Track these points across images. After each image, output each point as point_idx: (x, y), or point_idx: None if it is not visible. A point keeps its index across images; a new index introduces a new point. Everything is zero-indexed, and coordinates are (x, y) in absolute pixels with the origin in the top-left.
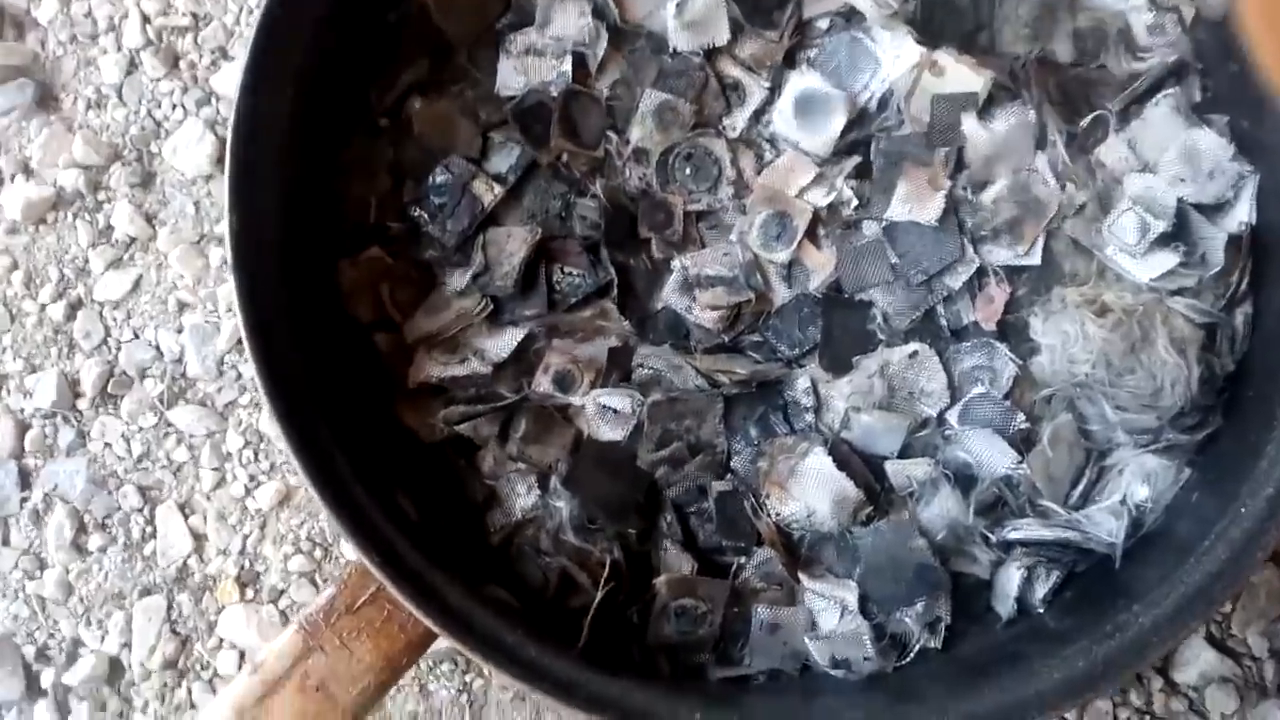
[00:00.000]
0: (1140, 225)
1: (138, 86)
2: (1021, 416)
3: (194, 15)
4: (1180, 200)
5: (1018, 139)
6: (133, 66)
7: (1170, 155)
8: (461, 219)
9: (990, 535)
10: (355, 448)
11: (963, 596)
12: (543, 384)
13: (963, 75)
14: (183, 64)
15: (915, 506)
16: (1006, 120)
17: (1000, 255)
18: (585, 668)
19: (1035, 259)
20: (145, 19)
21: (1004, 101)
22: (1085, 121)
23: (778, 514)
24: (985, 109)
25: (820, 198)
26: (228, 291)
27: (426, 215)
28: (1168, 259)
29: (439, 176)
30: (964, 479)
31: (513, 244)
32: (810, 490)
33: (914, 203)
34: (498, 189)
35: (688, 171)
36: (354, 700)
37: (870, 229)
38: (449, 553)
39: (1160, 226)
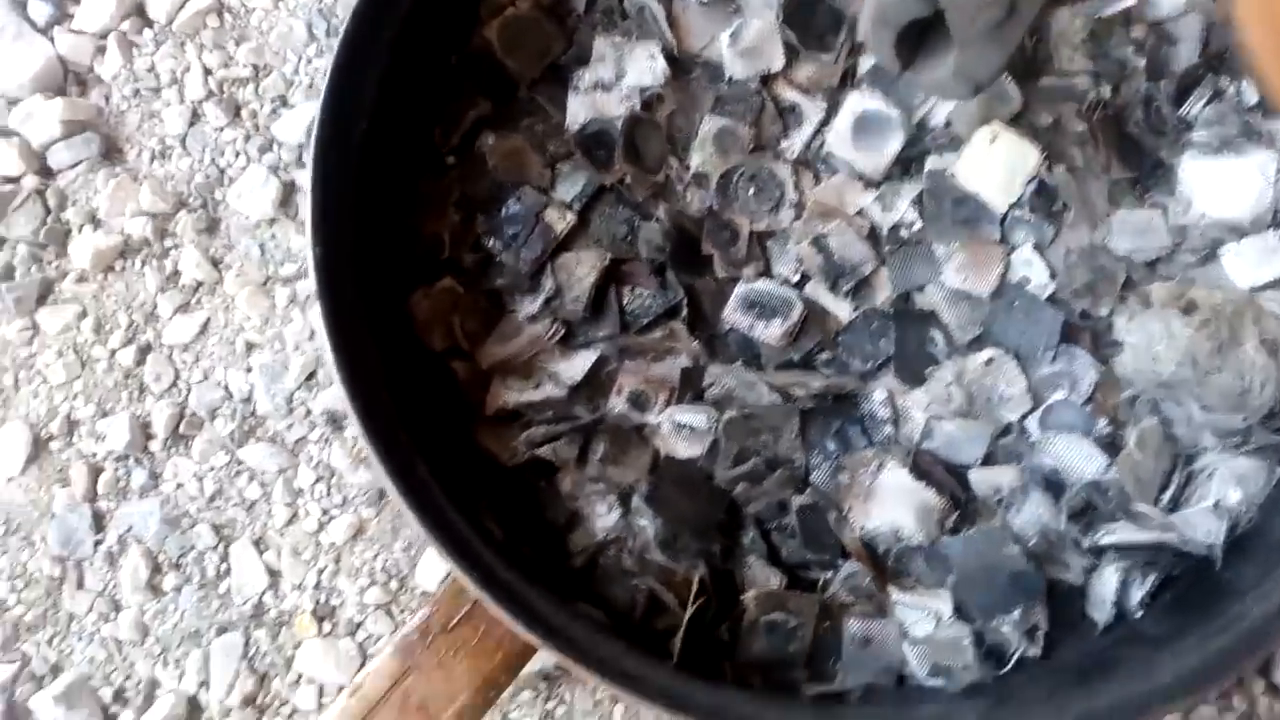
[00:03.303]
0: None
1: (201, 136)
2: (1104, 421)
3: (254, 66)
4: None
5: (1081, 199)
6: (195, 117)
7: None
8: (535, 247)
9: (1082, 540)
10: (442, 470)
11: (1056, 604)
12: (618, 405)
13: (1018, 148)
14: (244, 113)
15: (1006, 513)
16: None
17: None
18: (689, 678)
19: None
20: (207, 71)
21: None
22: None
23: (862, 528)
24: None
25: (879, 214)
26: (294, 331)
27: (500, 245)
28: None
29: (512, 207)
30: (1053, 484)
31: (582, 269)
32: (891, 505)
33: (970, 272)
34: (569, 216)
35: (750, 192)
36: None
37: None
38: (536, 572)
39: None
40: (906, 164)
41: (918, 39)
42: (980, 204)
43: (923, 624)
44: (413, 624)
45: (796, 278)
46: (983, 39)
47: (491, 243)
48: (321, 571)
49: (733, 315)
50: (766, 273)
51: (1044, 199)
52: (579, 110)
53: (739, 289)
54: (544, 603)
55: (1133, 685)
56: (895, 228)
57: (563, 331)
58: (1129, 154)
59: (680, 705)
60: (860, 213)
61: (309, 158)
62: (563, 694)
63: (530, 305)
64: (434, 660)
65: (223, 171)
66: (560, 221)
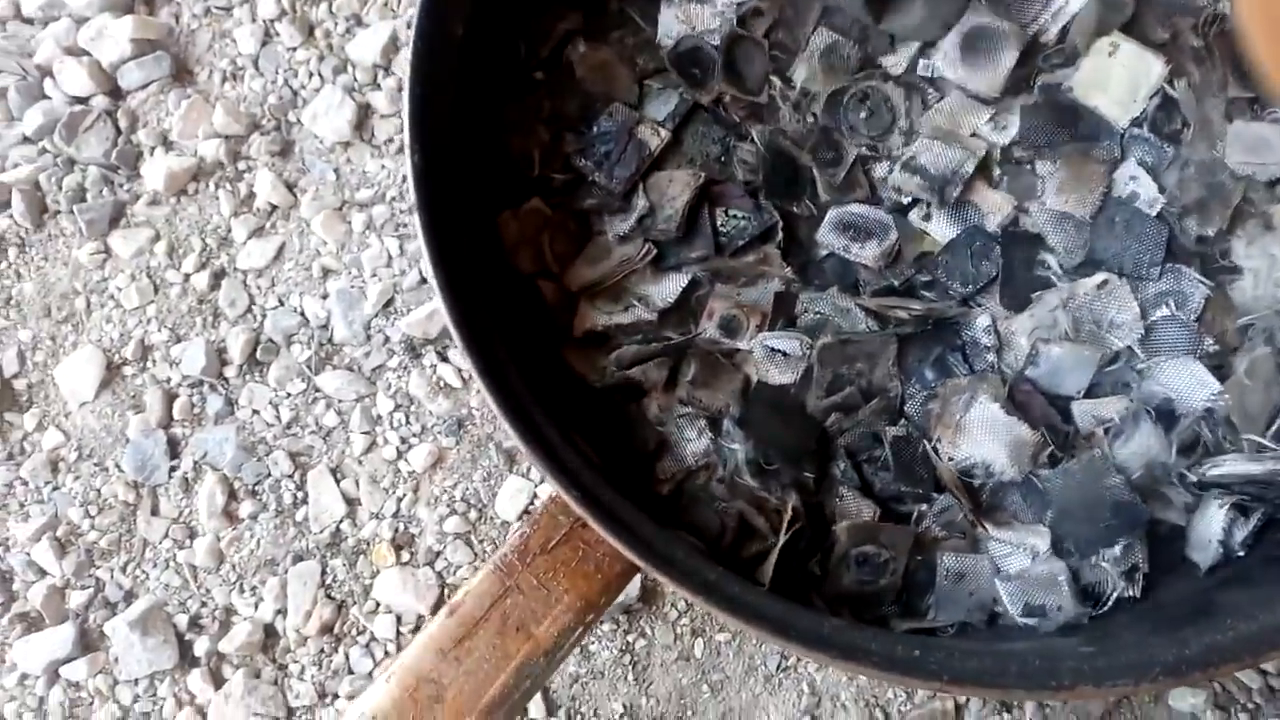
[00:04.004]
0: None
1: (274, 56)
2: (1210, 340)
3: None
4: None
5: (1200, 117)
6: (268, 37)
7: None
8: (629, 164)
9: (1187, 474)
10: (538, 390)
11: (1154, 547)
12: (708, 330)
13: (1139, 59)
14: (318, 32)
15: (1112, 444)
16: (1189, 94)
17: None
18: (792, 605)
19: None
20: None
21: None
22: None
23: (950, 459)
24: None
25: (994, 134)
26: (371, 257)
27: (592, 164)
28: None
29: (604, 124)
30: (1164, 415)
31: (675, 187)
32: (982, 440)
33: (1070, 193)
34: (664, 132)
35: (862, 115)
36: (553, 640)
37: (1043, 167)
38: (630, 496)
39: None
40: (1018, 83)
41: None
42: (1099, 119)
43: (1017, 560)
44: (511, 543)
45: (907, 200)
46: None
47: (583, 162)
48: (400, 500)
49: (826, 236)
50: (870, 199)
51: (1165, 115)
52: (671, 23)
53: (832, 212)
54: (644, 525)
55: (1252, 622)
56: (1009, 147)
57: (654, 252)
58: (1247, 71)
59: (784, 631)
60: (974, 135)
61: (407, 57)
62: (643, 627)
63: (621, 225)
64: (533, 581)
65: (296, 93)
66: (654, 138)
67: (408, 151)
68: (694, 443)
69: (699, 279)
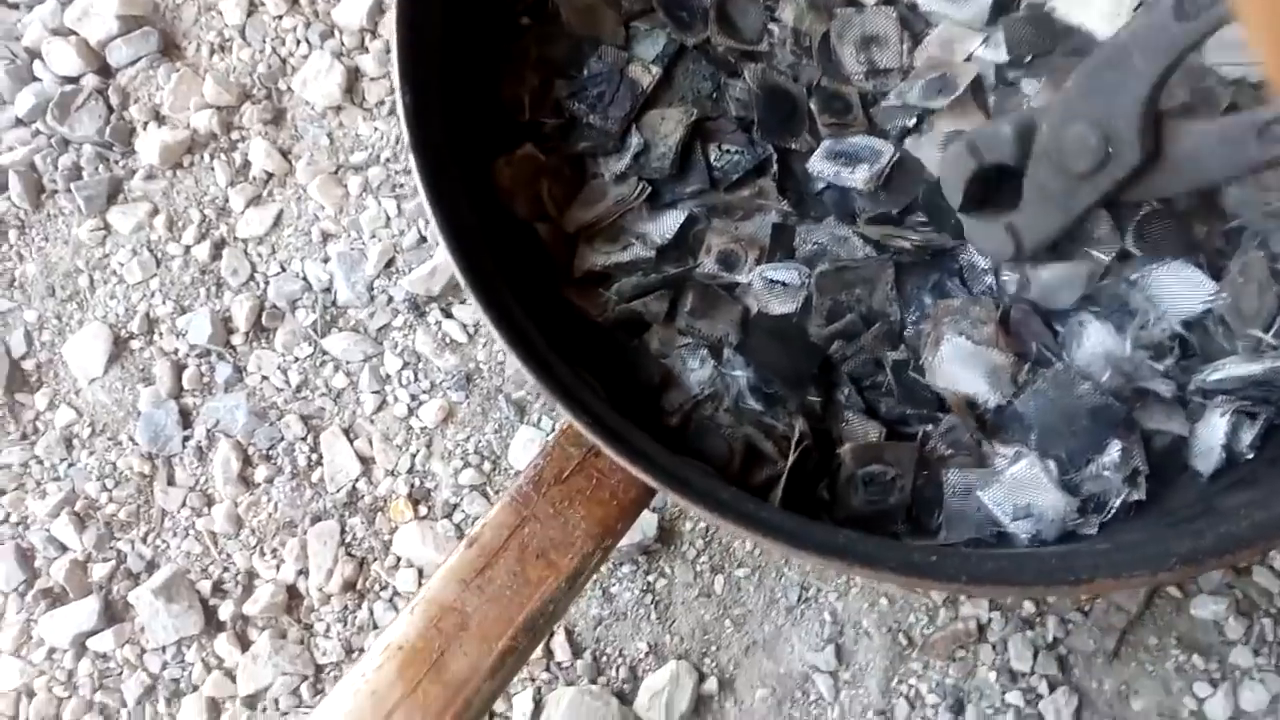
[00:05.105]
0: None
1: (260, 26)
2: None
3: None
4: None
5: None
6: (254, 6)
7: None
8: (622, 104)
9: (1158, 365)
10: (543, 326)
11: (1154, 460)
12: (707, 264)
13: None
14: (303, 0)
15: (1072, 353)
16: None
17: None
18: (807, 519)
19: None
20: None
21: None
22: None
23: (931, 383)
24: None
25: (989, 53)
26: (370, 218)
27: (586, 106)
28: None
29: (595, 66)
30: (1114, 315)
31: (667, 125)
32: (959, 375)
33: None
34: (655, 70)
35: (861, 52)
36: (574, 566)
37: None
38: (639, 428)
39: None
40: (1005, 6)
41: (986, 187)
42: (1086, 36)
43: (999, 464)
44: (526, 474)
45: (913, 123)
46: (1049, 201)
47: (576, 105)
48: (414, 456)
49: (817, 164)
50: (869, 132)
51: None
52: None
53: (826, 142)
54: (656, 449)
55: (1265, 511)
56: (1002, 67)
57: (649, 190)
58: None
59: (799, 542)
60: (970, 59)
61: (392, 11)
62: (663, 567)
63: (616, 165)
64: (549, 509)
65: (284, 60)
66: (646, 77)
67: (398, 92)
68: (697, 371)
69: (695, 215)
